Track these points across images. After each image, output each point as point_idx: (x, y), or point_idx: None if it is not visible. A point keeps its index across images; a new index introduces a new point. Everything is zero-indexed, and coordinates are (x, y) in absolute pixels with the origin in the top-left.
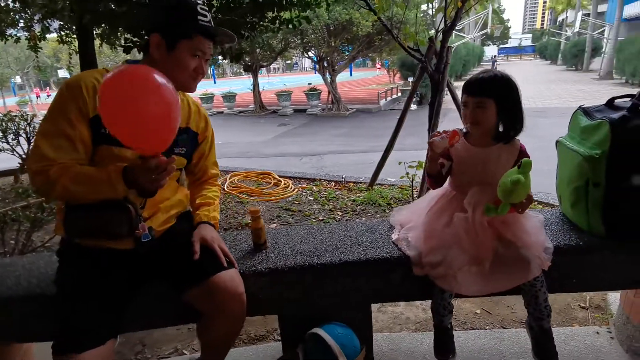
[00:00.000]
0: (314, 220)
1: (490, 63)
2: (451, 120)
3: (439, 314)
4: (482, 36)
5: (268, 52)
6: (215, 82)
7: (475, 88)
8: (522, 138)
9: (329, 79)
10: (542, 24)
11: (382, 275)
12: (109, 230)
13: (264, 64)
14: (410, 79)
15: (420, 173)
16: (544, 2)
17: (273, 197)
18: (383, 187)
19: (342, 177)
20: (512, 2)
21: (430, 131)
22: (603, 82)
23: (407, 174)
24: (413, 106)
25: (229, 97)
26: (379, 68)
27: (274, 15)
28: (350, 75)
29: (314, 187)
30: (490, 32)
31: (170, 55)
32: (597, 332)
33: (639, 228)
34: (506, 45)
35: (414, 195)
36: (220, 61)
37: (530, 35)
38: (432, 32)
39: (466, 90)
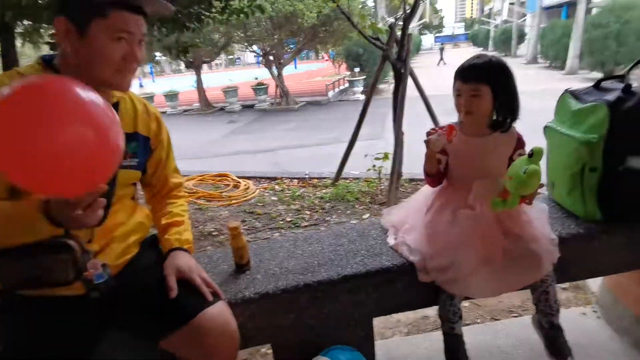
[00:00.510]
0: (281, 222)
1: (438, 51)
2: (417, 111)
3: (449, 321)
4: (419, 26)
5: (210, 47)
6: (154, 81)
7: (469, 75)
8: None
9: (275, 73)
10: (472, 13)
11: (384, 287)
12: (51, 278)
13: (207, 59)
14: (357, 70)
15: (386, 164)
16: None
17: (234, 201)
18: (348, 181)
19: (306, 174)
20: None
21: (396, 120)
22: (531, 67)
23: (374, 166)
24: (360, 96)
25: (171, 95)
26: (327, 60)
27: (222, 4)
28: (295, 68)
29: (276, 186)
30: (428, 22)
31: (83, 43)
32: (584, 314)
33: (635, 211)
34: (441, 34)
35: (381, 187)
36: (158, 58)
37: (463, 24)
38: (391, 20)
39: (459, 77)
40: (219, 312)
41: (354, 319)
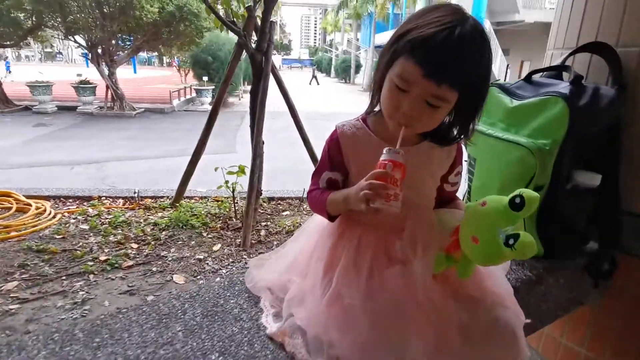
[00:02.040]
0: (90, 263)
1: (286, 71)
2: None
3: None
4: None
5: (11, 29)
6: None
7: (447, 71)
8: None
9: (106, 72)
10: (315, 41)
11: None
12: None
13: (6, 43)
14: (205, 79)
15: (242, 180)
16: (315, 23)
17: (15, 233)
18: (194, 200)
19: (135, 192)
20: (290, 18)
21: (255, 126)
22: (366, 93)
23: (227, 182)
24: (208, 107)
25: None
26: (174, 66)
27: None
28: (135, 72)
29: (90, 209)
30: (276, 42)
31: None
32: None
33: (576, 242)
34: (289, 57)
35: (235, 208)
36: None
37: (307, 50)
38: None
39: (425, 67)
40: None
41: None
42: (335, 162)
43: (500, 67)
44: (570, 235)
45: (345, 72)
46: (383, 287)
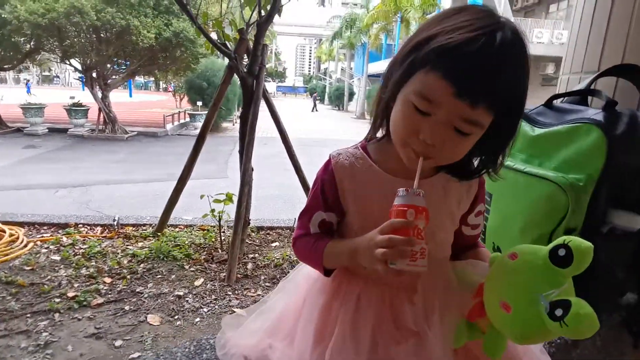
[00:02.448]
0: (58, 300)
1: (281, 98)
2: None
3: None
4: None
5: (11, 53)
6: None
7: (481, 83)
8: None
9: (99, 94)
10: (310, 70)
11: None
12: None
13: (5, 66)
14: (200, 104)
15: (228, 209)
16: (310, 52)
17: None
18: (178, 229)
19: (114, 219)
20: (286, 47)
21: (244, 152)
22: (359, 120)
23: (212, 210)
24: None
25: None
26: (170, 91)
27: None
28: (130, 96)
29: (65, 238)
30: (270, 69)
31: None
32: None
33: (613, 293)
34: (284, 84)
35: (221, 239)
36: None
37: (302, 78)
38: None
39: (454, 80)
40: None
41: None
42: (330, 199)
43: None
44: (607, 286)
45: (338, 99)
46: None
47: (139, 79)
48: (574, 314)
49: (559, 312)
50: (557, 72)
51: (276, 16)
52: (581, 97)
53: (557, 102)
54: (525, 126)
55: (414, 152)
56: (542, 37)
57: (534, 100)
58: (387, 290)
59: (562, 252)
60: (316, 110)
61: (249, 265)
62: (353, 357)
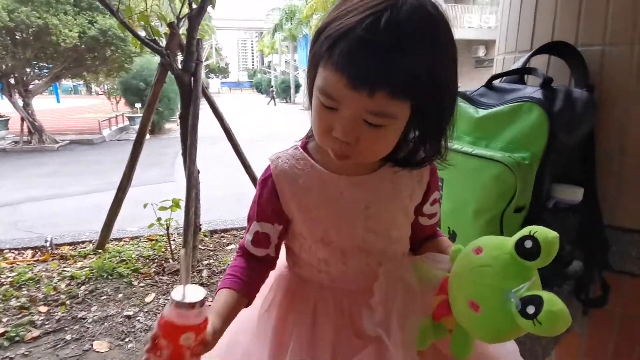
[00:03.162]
0: None
1: (225, 95)
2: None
3: None
4: (206, 68)
5: None
6: None
7: (372, 70)
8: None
9: (20, 103)
10: (253, 64)
11: None
12: None
13: None
14: (138, 105)
15: (177, 214)
16: (252, 46)
17: None
18: (122, 242)
19: (46, 239)
20: (227, 42)
21: (187, 155)
22: (307, 112)
23: (159, 219)
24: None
25: None
26: (102, 93)
27: None
28: (58, 102)
29: None
30: (212, 65)
31: None
32: None
33: (561, 265)
34: (227, 80)
35: (171, 248)
36: None
37: (246, 72)
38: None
39: (344, 70)
40: None
41: None
42: (269, 210)
43: None
44: (556, 259)
45: (285, 92)
46: None
47: (67, 83)
48: (547, 311)
49: (530, 309)
50: (487, 54)
51: (214, 11)
52: (519, 76)
53: (496, 82)
54: (469, 108)
55: (333, 153)
56: (472, 21)
57: (468, 82)
58: (345, 295)
59: (528, 243)
60: (274, 105)
61: (204, 273)
62: (310, 354)
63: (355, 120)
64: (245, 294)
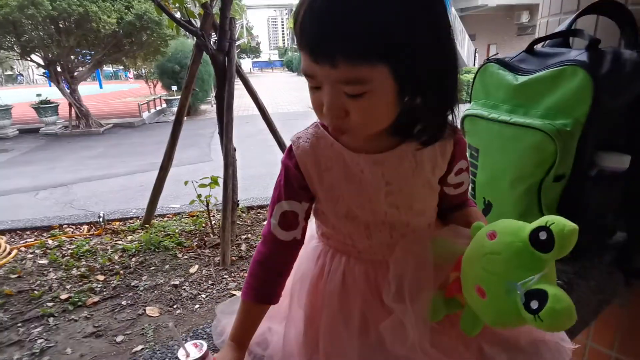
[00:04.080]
0: (50, 304)
1: (257, 76)
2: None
3: None
4: (237, 49)
5: None
6: None
7: (325, 36)
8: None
9: (67, 89)
10: (284, 42)
11: None
12: None
13: None
14: (174, 88)
15: (216, 192)
16: (283, 23)
17: None
18: (166, 218)
19: (99, 216)
20: (257, 21)
21: (224, 134)
22: None
23: (199, 196)
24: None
25: None
26: (130, 78)
27: None
28: (101, 87)
29: (50, 241)
30: (244, 45)
31: None
32: None
33: (604, 235)
34: (259, 60)
35: (211, 223)
36: None
37: (277, 51)
38: None
39: (305, 45)
40: None
41: None
42: (296, 187)
43: (468, 53)
44: (598, 229)
45: None
46: (382, 345)
47: (108, 69)
48: (550, 308)
49: (534, 304)
50: (531, 20)
51: None
52: (563, 39)
53: (538, 47)
54: (507, 75)
55: (331, 128)
56: None
57: (510, 52)
58: (371, 265)
59: (543, 235)
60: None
61: (243, 247)
62: (345, 338)
63: (335, 95)
64: (265, 301)
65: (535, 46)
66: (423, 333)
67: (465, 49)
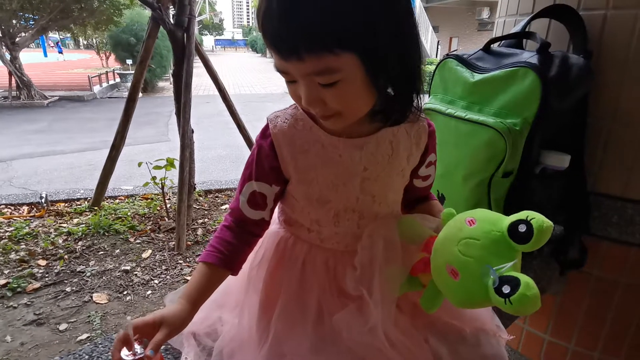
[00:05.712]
0: None
1: (219, 54)
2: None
3: None
4: (199, 24)
5: None
6: None
7: (286, 30)
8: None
9: (7, 56)
10: (249, 21)
11: None
12: None
13: None
14: (129, 62)
15: (172, 174)
16: (247, 2)
17: None
18: (118, 200)
19: (41, 196)
20: None
21: (181, 114)
22: None
23: (154, 178)
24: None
25: None
26: (52, 46)
27: None
28: (45, 55)
29: None
30: (206, 22)
31: None
32: None
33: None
34: (222, 37)
35: (166, 207)
36: None
37: (241, 30)
38: None
39: (270, 42)
40: None
41: None
42: (267, 169)
43: (431, 45)
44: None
45: None
46: (335, 337)
47: (54, 36)
48: (521, 294)
49: (506, 289)
50: (492, 16)
51: None
52: (517, 40)
53: (495, 46)
54: (465, 72)
55: (318, 116)
56: None
57: (471, 46)
58: (332, 255)
59: (522, 227)
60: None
61: (199, 231)
62: (299, 326)
63: (310, 86)
64: (228, 267)
65: (491, 45)
66: (388, 311)
67: (429, 40)
